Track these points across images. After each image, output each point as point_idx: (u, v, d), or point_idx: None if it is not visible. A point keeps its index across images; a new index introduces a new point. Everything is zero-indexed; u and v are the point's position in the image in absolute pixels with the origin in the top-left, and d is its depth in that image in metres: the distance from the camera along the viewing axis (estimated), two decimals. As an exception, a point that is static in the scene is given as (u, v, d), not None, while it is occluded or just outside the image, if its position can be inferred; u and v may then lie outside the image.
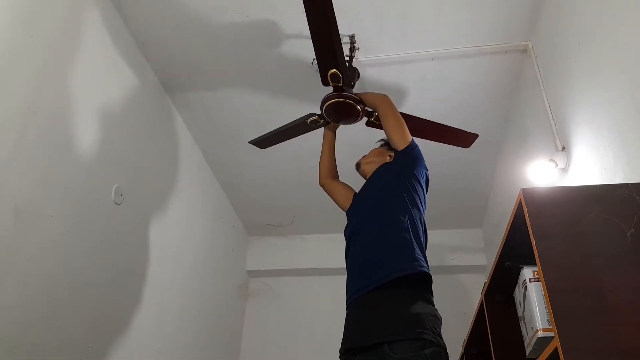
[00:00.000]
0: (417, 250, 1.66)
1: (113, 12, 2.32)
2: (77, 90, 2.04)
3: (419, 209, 1.79)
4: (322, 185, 2.26)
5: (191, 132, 3.17)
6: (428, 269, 1.65)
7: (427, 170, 1.94)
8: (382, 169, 1.97)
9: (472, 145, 2.49)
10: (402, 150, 1.90)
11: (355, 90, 2.19)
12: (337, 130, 2.34)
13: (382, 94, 2.09)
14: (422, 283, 1.63)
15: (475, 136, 2.37)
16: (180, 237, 2.99)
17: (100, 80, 2.21)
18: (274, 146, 2.62)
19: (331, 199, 2.21)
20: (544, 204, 1.36)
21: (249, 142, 2.56)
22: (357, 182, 2.17)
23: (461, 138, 2.37)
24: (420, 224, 1.77)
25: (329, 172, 2.24)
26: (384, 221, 1.75)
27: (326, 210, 3.82)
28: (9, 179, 1.67)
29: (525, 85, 2.58)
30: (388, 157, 2.02)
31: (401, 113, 2.06)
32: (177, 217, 2.93)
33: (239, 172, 3.56)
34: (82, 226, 2.05)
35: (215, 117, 3.06)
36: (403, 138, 1.91)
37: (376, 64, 2.62)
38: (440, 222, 3.74)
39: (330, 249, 3.94)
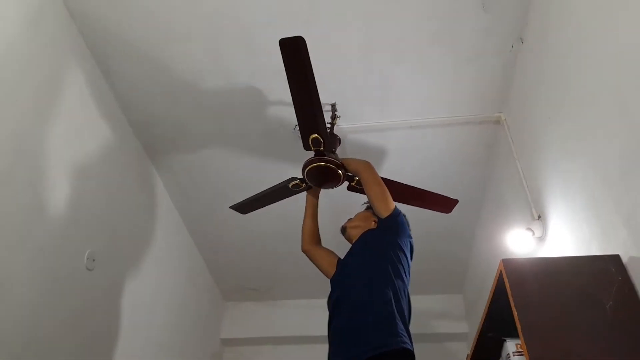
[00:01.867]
0: (400, 325, 1.62)
1: (97, 75, 2.35)
2: (55, 151, 2.02)
3: (402, 280, 1.77)
4: (304, 251, 2.21)
5: (170, 195, 3.15)
6: (411, 344, 1.62)
7: (411, 238, 1.94)
8: (367, 236, 1.95)
9: (451, 213, 2.52)
10: (385, 218, 1.90)
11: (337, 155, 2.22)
12: (319, 194, 2.34)
13: (365, 160, 2.10)
14: (403, 359, 1.58)
15: (455, 202, 2.40)
16: (152, 303, 2.88)
17: (80, 141, 2.21)
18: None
19: (314, 264, 2.17)
20: (525, 275, 1.37)
21: (230, 207, 2.53)
22: (339, 245, 2.15)
23: (442, 203, 2.40)
24: (403, 295, 1.74)
25: (312, 237, 2.21)
26: (367, 294, 1.72)
27: (307, 275, 3.73)
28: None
29: (500, 154, 2.67)
30: (373, 223, 2.01)
31: (383, 178, 2.09)
32: (150, 282, 2.84)
33: (218, 235, 3.50)
34: (52, 293, 1.97)
35: (197, 180, 3.05)
36: (386, 206, 1.90)
37: (357, 130, 2.69)
38: (421, 287, 3.68)
39: (310, 316, 3.80)
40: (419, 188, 2.33)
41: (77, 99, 2.20)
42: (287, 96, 2.54)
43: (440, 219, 3.16)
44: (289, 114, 2.59)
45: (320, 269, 2.12)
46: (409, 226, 1.99)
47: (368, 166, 2.04)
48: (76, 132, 2.18)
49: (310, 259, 2.18)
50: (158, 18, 2.18)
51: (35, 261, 1.87)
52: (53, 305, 1.97)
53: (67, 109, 2.11)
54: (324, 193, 2.36)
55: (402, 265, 1.80)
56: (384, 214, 1.90)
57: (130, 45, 2.27)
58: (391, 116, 2.62)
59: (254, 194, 3.11)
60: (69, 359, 2.07)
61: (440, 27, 2.20)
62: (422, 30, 2.21)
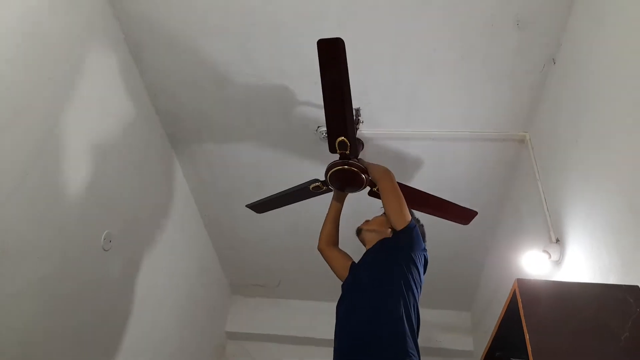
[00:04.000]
0: (410, 343, 1.62)
1: (129, 61, 2.39)
2: (82, 133, 2.06)
3: (414, 294, 1.76)
4: (320, 249, 2.21)
5: (189, 185, 3.18)
6: None
7: (426, 251, 1.90)
8: (381, 246, 1.94)
9: (465, 227, 2.49)
10: (400, 230, 1.86)
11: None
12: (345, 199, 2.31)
13: (385, 167, 2.06)
14: None
15: (474, 213, 2.35)
16: (162, 288, 2.92)
17: (107, 125, 2.25)
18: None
19: (328, 264, 2.17)
20: (539, 297, 1.36)
21: (246, 206, 2.51)
22: (354, 247, 2.14)
23: (461, 214, 2.36)
24: (413, 311, 1.73)
25: (330, 238, 2.20)
26: (378, 308, 1.70)
27: (315, 276, 3.76)
28: (4, 217, 1.65)
29: (521, 174, 2.64)
30: (389, 230, 2.01)
31: (403, 184, 2.06)
32: (162, 267, 2.88)
33: (231, 229, 3.53)
34: (69, 270, 2.01)
35: (216, 172, 3.08)
36: (401, 218, 1.87)
37: (378, 137, 2.69)
38: (429, 300, 3.66)
39: (315, 318, 3.82)
40: (438, 197, 2.29)
41: (108, 83, 2.25)
42: (313, 97, 2.60)
43: (453, 233, 3.14)
44: (313, 115, 2.62)
45: (333, 270, 2.12)
46: (424, 238, 1.97)
47: (388, 174, 2.01)
48: (104, 115, 2.22)
49: (325, 259, 2.18)
50: (195, 11, 2.22)
51: (55, 238, 1.92)
52: (67, 280, 2.01)
53: (97, 92, 2.16)
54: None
55: (415, 279, 1.78)
56: (399, 226, 1.86)
57: (164, 35, 2.32)
58: (414, 126, 2.62)
59: (269, 191, 3.12)
60: (77, 334, 2.11)
61: (473, 42, 2.19)
62: (454, 44, 2.21)
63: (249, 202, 2.61)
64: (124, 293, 2.52)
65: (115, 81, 2.30)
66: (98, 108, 2.17)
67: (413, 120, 2.58)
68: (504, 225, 2.97)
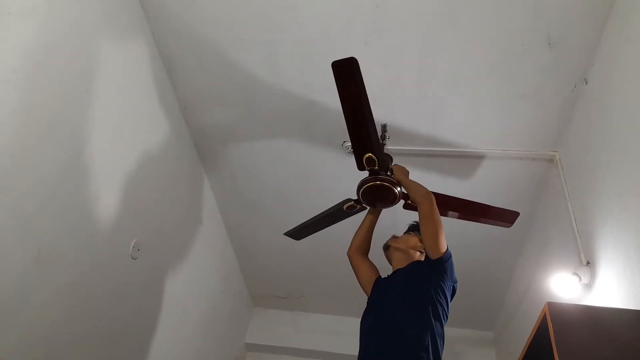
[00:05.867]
0: None
1: (163, 73, 2.46)
2: (116, 144, 2.13)
3: (441, 323, 1.74)
4: (349, 256, 2.20)
5: (215, 196, 3.23)
6: None
7: (456, 282, 1.87)
8: (412, 270, 1.90)
9: (491, 246, 2.45)
10: (434, 260, 1.82)
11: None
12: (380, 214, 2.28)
13: (426, 190, 1.94)
14: None
15: (517, 214, 2.27)
16: (185, 297, 2.95)
17: (139, 135, 2.31)
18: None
19: (354, 272, 2.16)
20: (570, 321, 1.33)
21: (284, 234, 2.49)
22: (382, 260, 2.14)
23: (503, 217, 2.28)
24: (440, 340, 1.72)
25: (361, 246, 2.19)
26: (405, 336, 1.69)
27: (338, 290, 3.75)
28: (38, 224, 1.71)
29: (550, 194, 2.60)
30: (419, 253, 1.98)
31: (441, 195, 2.02)
32: (186, 277, 2.92)
33: (255, 240, 3.56)
34: (96, 276, 2.06)
35: (240, 184, 3.12)
36: (438, 248, 1.79)
37: (404, 154, 2.69)
38: (451, 319, 3.59)
39: (336, 333, 3.80)
40: (477, 202, 2.23)
41: (142, 94, 2.31)
42: (338, 112, 2.60)
43: (477, 251, 3.10)
44: (338, 129, 2.63)
45: (358, 278, 2.11)
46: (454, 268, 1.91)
47: (428, 199, 1.88)
48: (136, 128, 2.28)
49: (352, 265, 2.17)
50: (225, 26, 2.27)
51: (85, 245, 1.96)
52: (95, 286, 2.05)
53: (131, 105, 2.22)
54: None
55: (442, 307, 1.76)
56: (434, 256, 1.80)
57: (196, 48, 2.38)
58: (441, 143, 2.61)
59: (293, 204, 3.15)
60: (101, 340, 2.15)
61: (502, 60, 2.18)
62: (482, 60, 2.20)
63: (272, 215, 2.64)
64: (149, 301, 2.56)
65: (148, 95, 2.36)
66: (132, 120, 2.23)
67: (439, 137, 2.57)
68: (530, 245, 2.91)
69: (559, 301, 1.97)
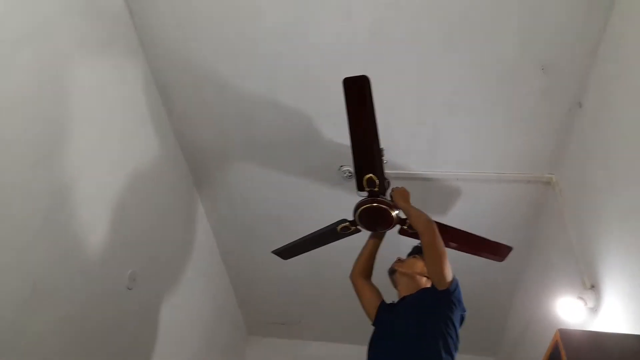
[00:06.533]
0: None
1: (158, 102, 2.45)
2: (110, 172, 2.10)
3: (452, 356, 1.69)
4: (352, 279, 2.15)
5: (210, 223, 3.19)
6: None
7: (465, 311, 1.82)
8: (420, 299, 1.85)
9: (489, 270, 2.42)
10: (440, 290, 1.75)
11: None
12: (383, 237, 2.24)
13: (428, 218, 1.87)
14: None
15: (509, 249, 2.25)
16: (181, 327, 2.89)
17: (133, 162, 2.27)
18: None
19: (357, 296, 2.10)
20: (583, 349, 1.30)
21: (272, 252, 2.45)
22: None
23: (496, 251, 2.26)
24: None
25: (364, 271, 2.14)
26: None
27: (337, 317, 3.68)
28: (33, 256, 1.67)
29: (548, 217, 2.60)
30: (425, 279, 1.94)
31: (437, 223, 1.99)
32: (182, 306, 2.85)
33: (250, 267, 3.50)
34: (93, 308, 2.00)
35: (237, 211, 3.09)
36: (444, 278, 1.73)
37: (402, 177, 2.68)
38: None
39: (335, 361, 3.71)
40: (471, 233, 2.20)
41: (136, 122, 2.30)
42: (335, 136, 2.61)
43: (476, 276, 3.06)
44: (336, 154, 2.63)
45: (361, 302, 2.06)
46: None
47: (430, 227, 1.81)
48: (131, 155, 2.26)
49: (355, 289, 2.11)
50: (223, 53, 2.28)
51: (80, 276, 1.91)
52: (90, 319, 2.00)
53: (126, 131, 2.21)
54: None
55: (452, 339, 1.71)
56: (441, 287, 1.74)
57: (193, 74, 2.38)
58: (437, 167, 2.61)
59: (290, 230, 3.08)
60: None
61: (497, 85, 2.21)
62: (478, 85, 2.23)
63: (268, 240, 2.58)
64: (145, 331, 2.49)
65: (143, 121, 2.35)
66: (126, 147, 2.21)
67: (436, 161, 2.58)
68: (530, 269, 2.89)
69: (566, 326, 1.95)
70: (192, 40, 2.25)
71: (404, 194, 2.05)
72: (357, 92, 1.68)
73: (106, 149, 2.05)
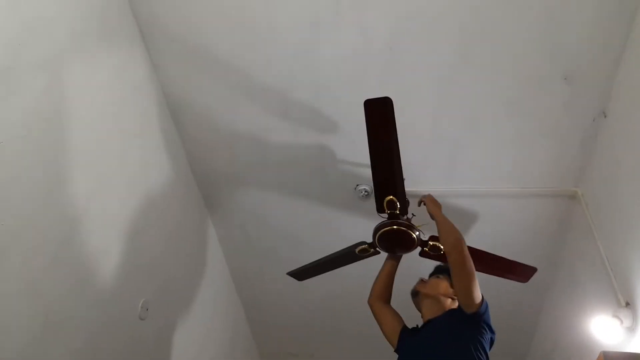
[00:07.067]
0: None
1: (170, 125, 2.42)
2: (124, 198, 2.05)
3: None
4: (370, 304, 2.04)
5: (223, 249, 3.11)
6: None
7: (494, 334, 1.70)
8: (448, 324, 1.73)
9: (513, 290, 2.32)
10: (470, 313, 1.64)
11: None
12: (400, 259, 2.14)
13: (458, 235, 1.72)
14: None
15: (534, 270, 2.16)
16: (194, 356, 2.77)
17: (145, 188, 2.22)
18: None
19: (376, 321, 1.99)
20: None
21: (287, 274, 2.38)
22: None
23: (520, 272, 2.17)
24: None
25: (382, 294, 2.03)
26: None
27: (354, 345, 3.55)
28: (45, 287, 1.60)
29: (574, 232, 2.51)
30: (450, 300, 1.84)
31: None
32: (195, 336, 2.75)
33: (265, 294, 3.41)
34: (105, 340, 1.92)
35: (251, 235, 3.02)
36: (473, 301, 1.61)
37: (419, 195, 2.60)
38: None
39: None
40: (494, 254, 2.10)
41: (149, 146, 2.26)
42: (350, 155, 2.56)
43: (501, 296, 2.94)
44: (351, 174, 2.57)
45: (380, 327, 1.95)
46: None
47: (459, 247, 1.67)
48: (143, 179, 2.21)
49: (374, 314, 2.00)
50: (236, 75, 2.25)
51: (93, 306, 1.84)
52: (103, 350, 1.92)
53: (139, 155, 2.16)
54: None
55: None
56: (469, 309, 1.62)
57: (204, 97, 2.35)
58: (457, 183, 2.54)
59: (305, 253, 3.01)
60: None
61: (518, 97, 2.15)
62: (499, 98, 2.17)
63: (283, 265, 2.51)
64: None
65: (156, 144, 2.31)
66: (139, 171, 2.17)
67: (456, 176, 2.51)
68: (557, 287, 2.78)
69: (600, 347, 1.84)
70: (205, 60, 2.22)
71: (436, 202, 1.97)
72: (380, 115, 1.65)
73: (118, 175, 2.00)
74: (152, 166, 2.29)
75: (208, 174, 2.72)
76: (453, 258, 1.69)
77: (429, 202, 1.96)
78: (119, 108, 2.01)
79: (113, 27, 1.97)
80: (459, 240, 1.70)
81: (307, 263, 2.30)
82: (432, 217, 1.89)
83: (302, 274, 2.31)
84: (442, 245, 1.80)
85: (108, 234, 1.94)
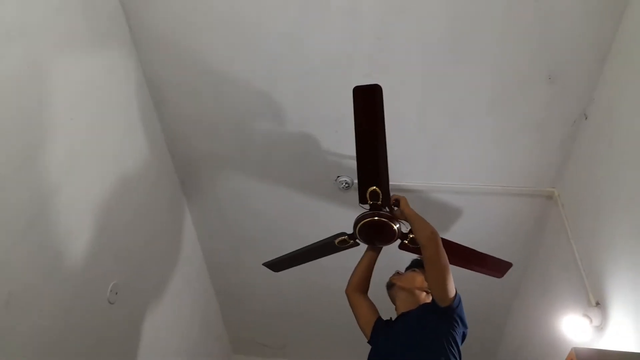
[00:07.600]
0: None
1: (149, 104, 2.35)
2: (96, 178, 1.98)
3: None
4: (347, 294, 2.04)
5: (198, 233, 3.05)
6: None
7: (467, 328, 1.72)
8: (420, 316, 1.75)
9: (484, 286, 2.34)
10: (442, 307, 1.66)
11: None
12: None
13: (432, 230, 1.73)
14: None
15: (509, 265, 2.18)
16: (165, 342, 2.73)
17: (121, 169, 2.15)
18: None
19: (352, 311, 2.00)
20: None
21: (263, 264, 2.34)
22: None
23: (495, 267, 2.18)
24: None
25: (360, 285, 2.03)
26: None
27: (325, 339, 3.55)
28: (9, 266, 1.53)
29: (550, 231, 2.54)
30: (425, 294, 1.85)
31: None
32: (165, 323, 2.71)
33: (239, 282, 3.37)
34: (72, 323, 1.86)
35: (228, 221, 2.96)
36: (446, 294, 1.63)
37: (400, 189, 2.60)
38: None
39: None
40: (470, 248, 2.11)
41: (125, 124, 2.18)
42: (333, 146, 2.53)
43: (472, 293, 2.97)
44: (333, 164, 2.54)
45: (356, 317, 1.95)
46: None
47: (434, 241, 1.69)
48: (120, 158, 2.14)
49: (350, 304, 2.00)
50: (221, 57, 2.19)
51: (61, 288, 1.78)
52: (71, 333, 1.86)
53: (115, 136, 2.09)
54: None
55: (455, 359, 1.61)
56: (443, 303, 1.65)
57: (188, 76, 2.28)
58: (437, 178, 2.54)
59: (282, 242, 2.98)
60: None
61: (501, 95, 2.16)
62: (482, 95, 2.18)
63: (260, 252, 2.48)
64: (126, 348, 2.34)
65: (134, 125, 2.24)
66: (115, 152, 2.09)
67: (437, 172, 2.51)
68: (529, 285, 2.82)
69: (569, 345, 1.87)
70: (189, 43, 2.16)
71: (407, 202, 1.96)
72: (368, 102, 1.62)
73: (94, 153, 1.93)
74: (127, 146, 2.21)
75: (187, 157, 2.66)
76: (428, 252, 1.70)
77: (403, 201, 1.94)
78: (95, 84, 1.93)
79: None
80: (435, 233, 1.72)
81: (284, 253, 2.26)
82: (405, 216, 1.88)
83: (278, 264, 2.26)
84: (417, 239, 1.79)
85: (79, 214, 1.87)
